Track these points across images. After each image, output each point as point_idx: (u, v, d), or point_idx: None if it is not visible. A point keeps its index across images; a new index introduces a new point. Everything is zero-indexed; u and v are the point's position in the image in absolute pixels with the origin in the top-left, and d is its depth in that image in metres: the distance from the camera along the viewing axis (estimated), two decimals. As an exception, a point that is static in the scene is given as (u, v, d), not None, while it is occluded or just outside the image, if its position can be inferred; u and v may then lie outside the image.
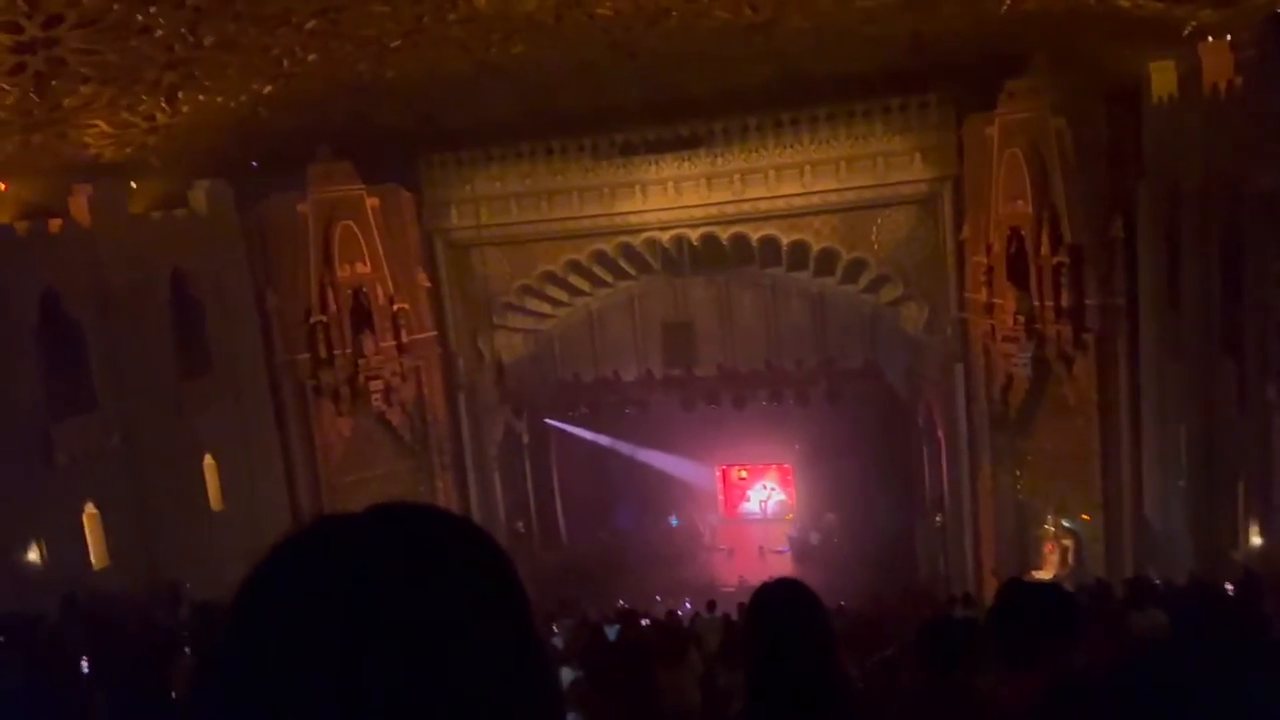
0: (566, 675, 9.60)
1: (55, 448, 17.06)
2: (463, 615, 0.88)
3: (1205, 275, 15.16)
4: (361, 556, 0.89)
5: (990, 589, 20.53)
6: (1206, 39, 14.97)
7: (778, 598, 2.55)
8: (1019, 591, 2.88)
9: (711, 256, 24.24)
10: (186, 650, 9.66)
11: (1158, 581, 13.79)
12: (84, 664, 9.31)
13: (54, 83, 13.81)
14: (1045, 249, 18.92)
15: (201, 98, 16.28)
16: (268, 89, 16.71)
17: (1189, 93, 15.46)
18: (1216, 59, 14.66)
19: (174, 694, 7.71)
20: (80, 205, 18.45)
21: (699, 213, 23.11)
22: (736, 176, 22.54)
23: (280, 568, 0.90)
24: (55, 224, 17.83)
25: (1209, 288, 15.10)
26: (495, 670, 0.88)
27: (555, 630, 15.30)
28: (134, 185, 19.92)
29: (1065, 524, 21.01)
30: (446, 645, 0.85)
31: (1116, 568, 18.83)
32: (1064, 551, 20.90)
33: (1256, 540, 13.84)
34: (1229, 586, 11.35)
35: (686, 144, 22.61)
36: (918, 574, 25.70)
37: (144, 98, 15.62)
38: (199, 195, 21.40)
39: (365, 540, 0.91)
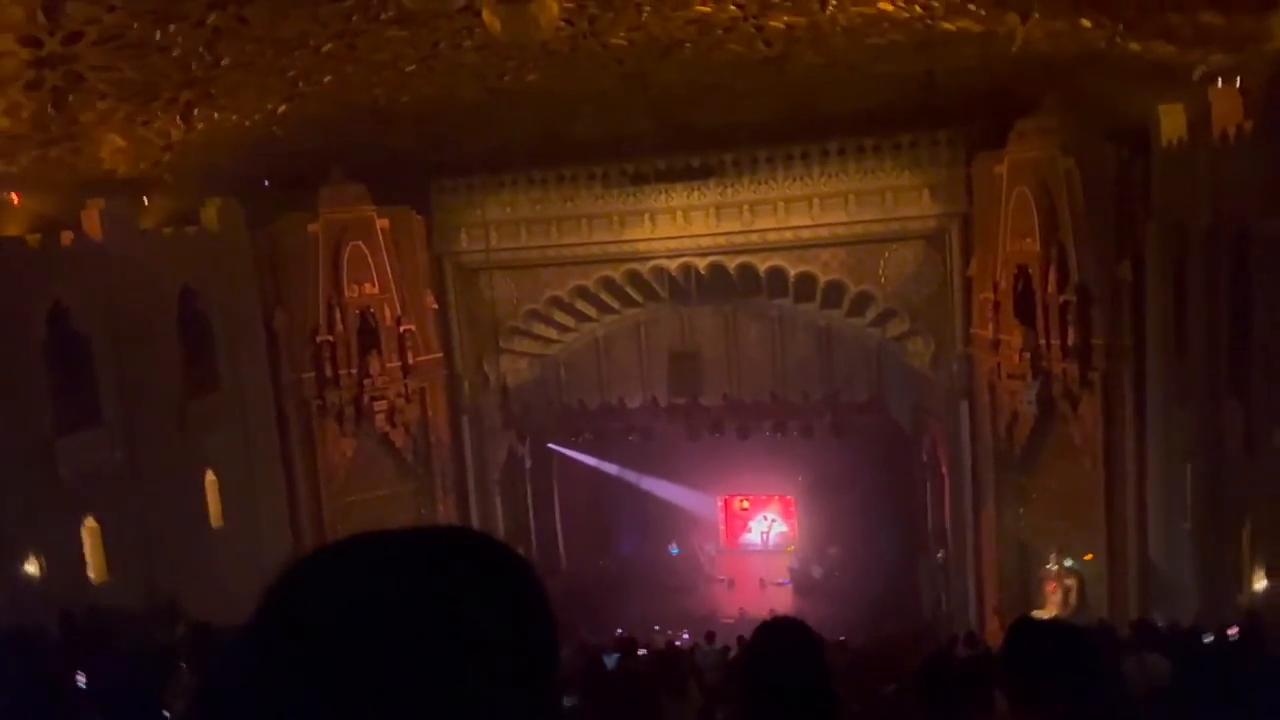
0: (563, 702, 9.53)
1: (59, 461, 17.05)
2: (489, 640, 0.87)
3: (1213, 318, 15.15)
4: (385, 578, 0.88)
5: (992, 627, 20.37)
6: (1216, 83, 15.05)
7: (778, 637, 2.54)
8: (1032, 630, 2.85)
9: (719, 286, 24.29)
10: (183, 667, 9.61)
11: (1161, 624, 13.68)
12: (80, 680, 9.26)
13: (71, 98, 13.95)
14: (1052, 287, 18.93)
15: (216, 116, 16.43)
16: (282, 109, 16.86)
17: (1198, 136, 15.52)
18: (1226, 103, 14.73)
19: (169, 713, 7.66)
20: (92, 220, 18.57)
21: (707, 242, 23.20)
22: (746, 207, 22.63)
23: (303, 585, 0.89)
24: (67, 237, 17.94)
25: (1216, 330, 15.09)
26: (516, 703, 0.88)
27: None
28: (146, 201, 20.06)
29: (1068, 564, 20.85)
30: (471, 669, 0.84)
31: (1120, 609, 18.66)
32: (1067, 592, 20.73)
33: (1261, 584, 13.73)
34: (1233, 631, 11.26)
35: (697, 174, 22.73)
36: (920, 610, 25.52)
37: (160, 114, 15.77)
38: (211, 213, 21.54)
39: (390, 561, 0.90)
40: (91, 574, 17.85)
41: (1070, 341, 18.91)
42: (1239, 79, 14.77)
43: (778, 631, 2.57)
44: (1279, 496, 13.01)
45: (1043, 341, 19.30)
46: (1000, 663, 2.93)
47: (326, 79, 15.69)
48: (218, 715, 0.86)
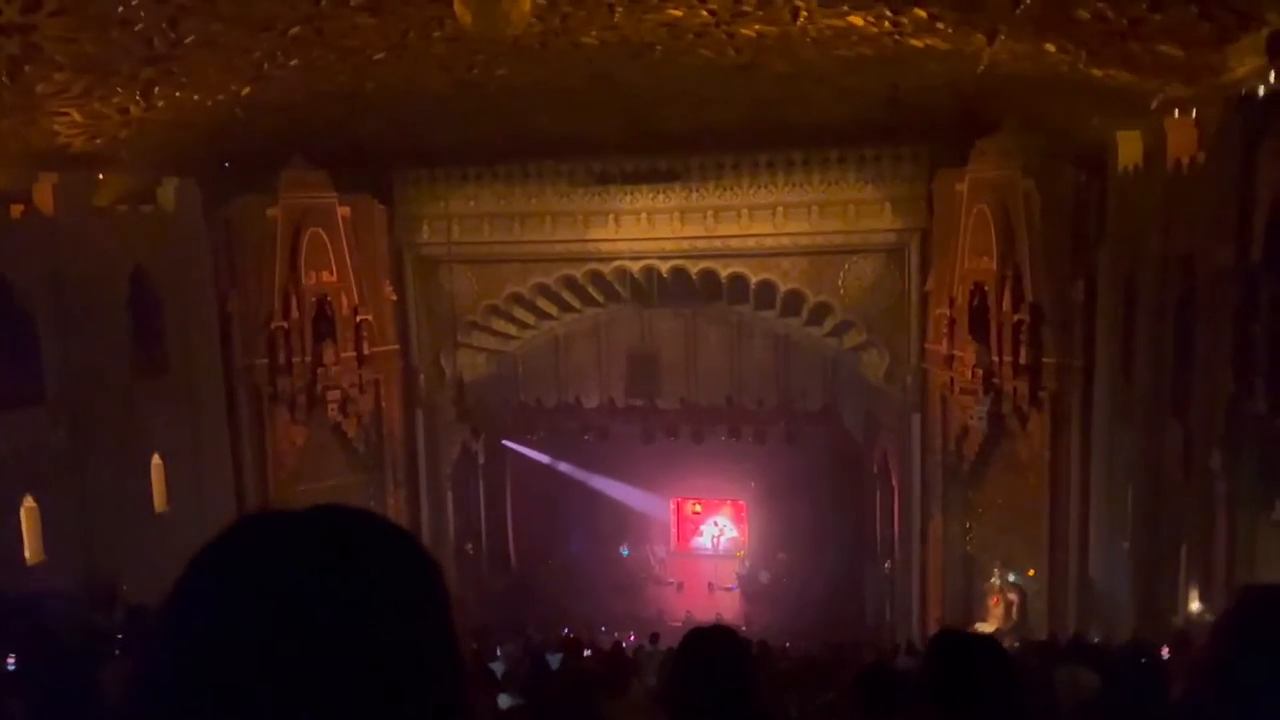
0: (505, 701, 9.49)
1: (-2, 438, 16.68)
2: (381, 617, 0.89)
3: (1159, 343, 15.49)
4: (289, 557, 0.91)
5: (934, 639, 20.63)
6: (1173, 113, 15.40)
7: (707, 645, 2.56)
8: (953, 644, 2.90)
9: (680, 290, 24.36)
10: (118, 653, 9.43)
11: (1096, 640, 13.96)
12: (9, 663, 9.05)
13: (27, 68, 13.64)
14: (1007, 306, 19.24)
15: (178, 94, 16.16)
16: (246, 90, 16.62)
17: (1153, 164, 15.87)
18: (1181, 133, 15.07)
19: (104, 698, 7.51)
20: (44, 194, 18.17)
21: (670, 245, 23.25)
22: (710, 212, 22.72)
23: (210, 568, 0.92)
24: (16, 210, 17.53)
25: (1161, 355, 15.43)
26: (411, 676, 0.90)
27: (498, 654, 15.13)
28: (101, 177, 19.66)
29: (1011, 578, 21.20)
30: (364, 647, 0.87)
31: (1059, 625, 19.01)
32: (1008, 606, 21.07)
33: (1195, 605, 14.05)
34: (1165, 651, 11.51)
35: (662, 177, 22.77)
36: (864, 619, 25.78)
37: (119, 90, 15.47)
38: (167, 192, 21.14)
39: (292, 541, 0.93)
40: (27, 554, 17.47)
41: (1022, 360, 19.24)
42: (1194, 110, 15.12)
43: (706, 639, 2.58)
44: (1214, 519, 13.33)
45: (995, 358, 19.61)
46: (923, 674, 2.97)
47: (292, 63, 15.49)
48: (141, 707, 0.88)
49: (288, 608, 0.86)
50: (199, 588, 0.91)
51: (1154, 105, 15.09)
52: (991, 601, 21.31)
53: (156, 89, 15.66)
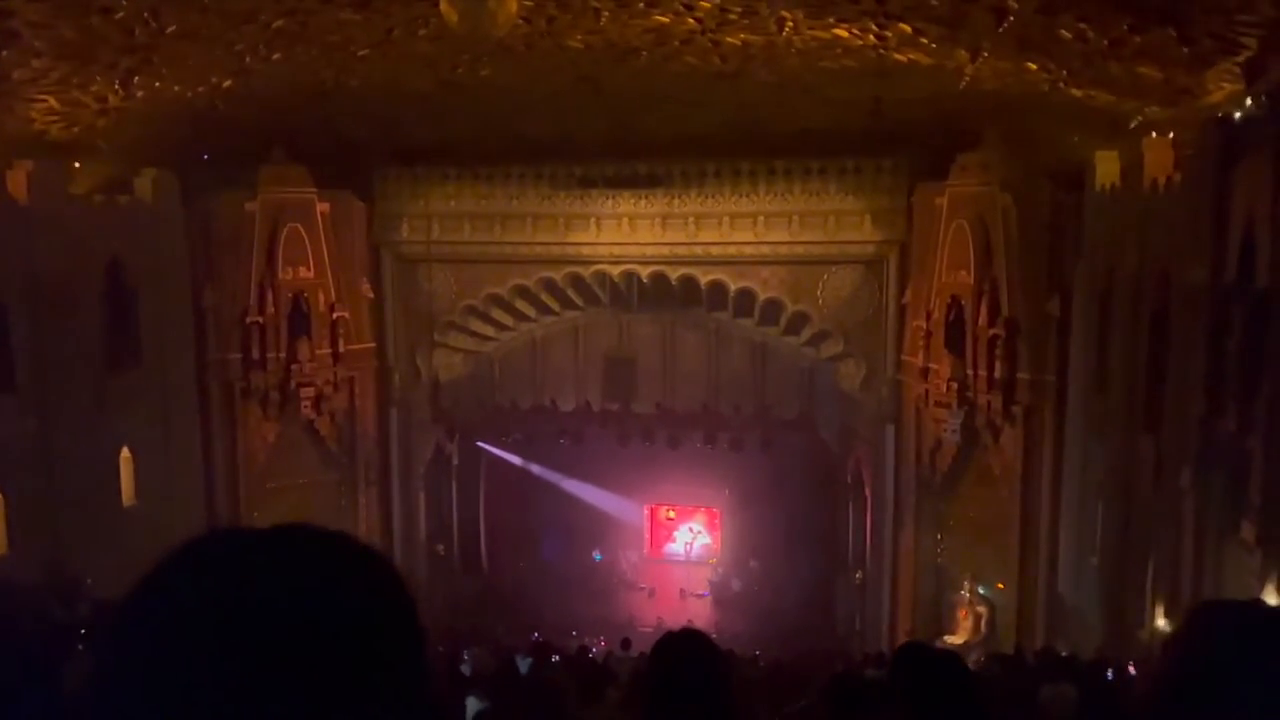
0: (473, 705, 9.43)
1: (-37, 427, 16.44)
2: (345, 639, 0.87)
3: (1132, 360, 15.65)
4: (252, 573, 0.88)
5: (903, 649, 20.71)
6: (1151, 134, 15.59)
7: (680, 650, 2.55)
8: (916, 656, 2.90)
9: (659, 295, 24.37)
10: (80, 649, 9.28)
11: (1065, 654, 14.05)
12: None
13: (4, 53, 13.47)
14: (983, 320, 19.39)
15: (157, 85, 16.00)
16: (227, 83, 16.49)
17: (1130, 183, 16.05)
18: (1158, 154, 15.27)
19: (64, 692, 7.39)
20: (18, 181, 17.94)
21: (650, 251, 23.26)
22: (691, 219, 22.75)
23: (170, 578, 0.89)
24: (-10, 197, 17.32)
25: (1134, 373, 15.59)
26: (375, 702, 0.88)
27: (465, 657, 15.04)
28: (77, 166, 19.43)
29: (981, 591, 21.32)
30: (326, 670, 0.85)
31: (1027, 638, 19.13)
32: (977, 619, 21.19)
33: (1161, 622, 14.18)
34: (1132, 667, 11.61)
35: (644, 182, 22.78)
36: (835, 628, 25.84)
37: (98, 78, 15.30)
38: (145, 184, 20.93)
39: (257, 557, 0.90)
40: (-9, 546, 17.22)
41: (996, 374, 19.39)
42: (1172, 132, 15.32)
43: (680, 642, 2.57)
44: (1182, 537, 13.46)
45: (970, 372, 19.75)
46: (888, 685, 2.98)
47: (275, 56, 15.38)
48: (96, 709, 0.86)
49: (245, 627, 0.84)
50: (155, 601, 0.88)
51: (1133, 125, 15.28)
52: (961, 614, 21.42)
53: (136, 79, 15.50)
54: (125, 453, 20.38)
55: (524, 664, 12.29)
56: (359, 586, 0.92)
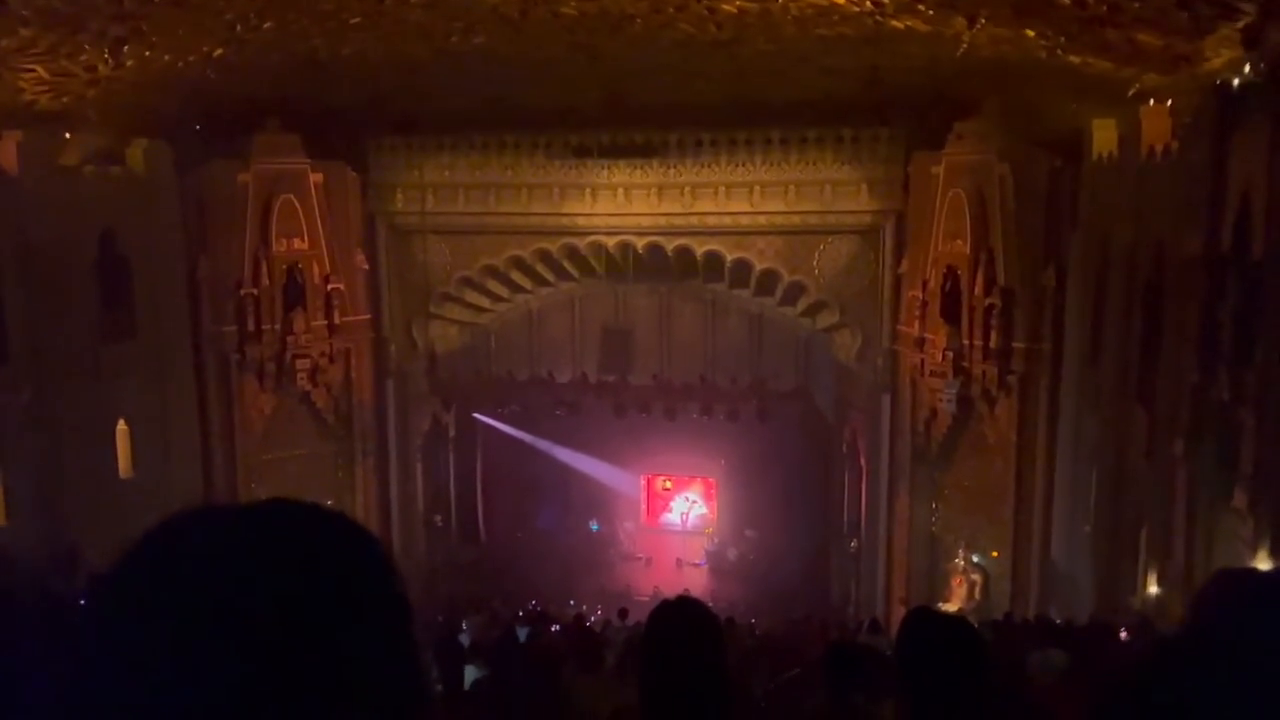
0: (471, 673, 9.51)
1: (-41, 400, 16.43)
2: (329, 620, 0.86)
3: (1126, 329, 15.68)
4: (231, 554, 0.87)
5: (898, 617, 20.90)
6: (1149, 102, 15.51)
7: (674, 618, 2.56)
8: (924, 622, 2.92)
9: (655, 266, 24.31)
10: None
11: (1058, 621, 14.18)
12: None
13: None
14: (979, 290, 19.38)
15: (148, 54, 15.84)
16: (218, 52, 16.33)
17: (1127, 152, 15.99)
18: (1156, 122, 15.19)
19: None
20: (8, 151, 17.81)
21: (646, 221, 23.17)
22: (687, 189, 22.64)
23: (147, 560, 0.88)
24: (-20, 168, 17.20)
25: (1129, 342, 15.62)
26: (358, 684, 0.86)
27: (464, 627, 15.15)
28: (68, 137, 19.28)
29: (975, 559, 21.49)
30: (307, 650, 0.83)
31: (1020, 606, 19.30)
32: (971, 586, 21.36)
33: (1154, 589, 14.31)
34: (1124, 633, 11.72)
35: (640, 152, 22.64)
36: (830, 597, 26.03)
37: (87, 48, 15.14)
38: (137, 154, 20.78)
39: (238, 535, 0.89)
40: (-11, 518, 17.28)
41: (992, 343, 19.41)
42: (1170, 100, 15.24)
43: (675, 610, 2.59)
44: (1175, 505, 13.55)
45: (965, 342, 19.77)
46: (895, 652, 3.00)
47: (266, 25, 15.23)
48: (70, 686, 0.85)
49: (226, 605, 0.82)
50: (134, 579, 0.87)
51: (1131, 93, 15.20)
52: (955, 581, 21.60)
53: (126, 48, 15.34)
54: (122, 425, 20.38)
55: (522, 633, 12.39)
56: (344, 565, 0.90)
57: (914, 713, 2.64)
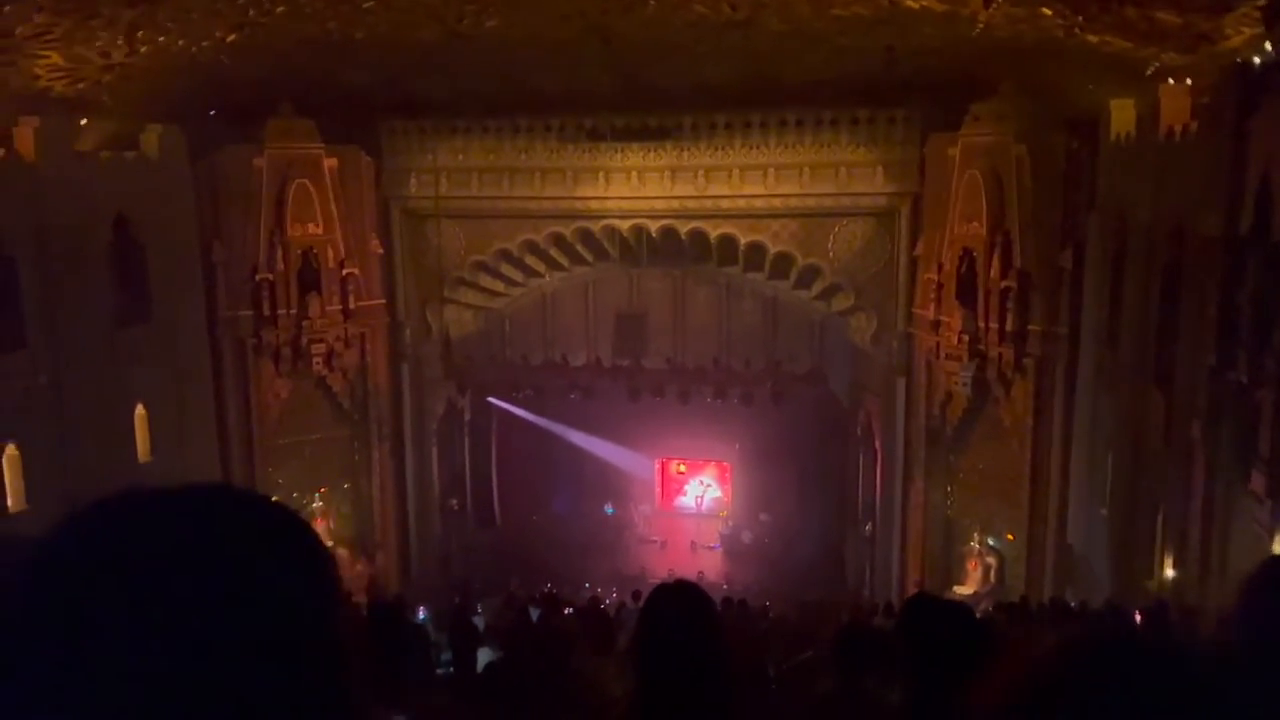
0: (486, 655, 9.57)
1: (-22, 384, 16.57)
2: (249, 608, 0.83)
3: (1144, 311, 15.54)
4: (155, 536, 0.85)
5: (912, 600, 20.88)
6: (1168, 81, 15.31)
7: (670, 602, 2.56)
8: (924, 608, 2.91)
9: (669, 250, 24.25)
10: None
11: (1073, 604, 14.15)
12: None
13: (6, 9, 13.36)
14: (995, 272, 19.25)
15: (161, 39, 15.87)
16: (231, 37, 16.34)
17: (1146, 132, 15.80)
18: (1175, 101, 15.00)
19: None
20: (25, 137, 17.87)
21: (660, 205, 23.10)
22: (701, 172, 22.55)
23: (70, 535, 0.87)
24: (-3, 154, 17.28)
25: (1147, 324, 15.48)
26: (281, 676, 0.84)
27: (479, 610, 15.26)
28: (84, 122, 19.35)
29: (990, 542, 21.44)
30: (227, 641, 0.81)
31: (1036, 589, 19.25)
32: (987, 569, 21.32)
33: (1170, 572, 14.24)
34: (1139, 615, 11.67)
35: (654, 135, 22.55)
36: (845, 580, 26.05)
37: (101, 33, 15.18)
38: (151, 139, 20.84)
39: (160, 520, 0.87)
40: (9, 502, 17.43)
41: (1008, 326, 19.30)
42: (1189, 79, 15.04)
43: (671, 594, 2.58)
44: (1192, 488, 13.46)
45: (981, 324, 19.65)
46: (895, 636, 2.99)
47: (279, 9, 15.22)
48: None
49: (146, 590, 0.80)
50: (54, 564, 0.85)
51: (1149, 73, 15.01)
52: (970, 565, 21.56)
53: (140, 33, 15.37)
54: (140, 409, 20.53)
55: (536, 616, 12.45)
56: (265, 552, 0.87)
57: (916, 699, 2.63)
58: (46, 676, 0.79)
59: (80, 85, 17.26)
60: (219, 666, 0.81)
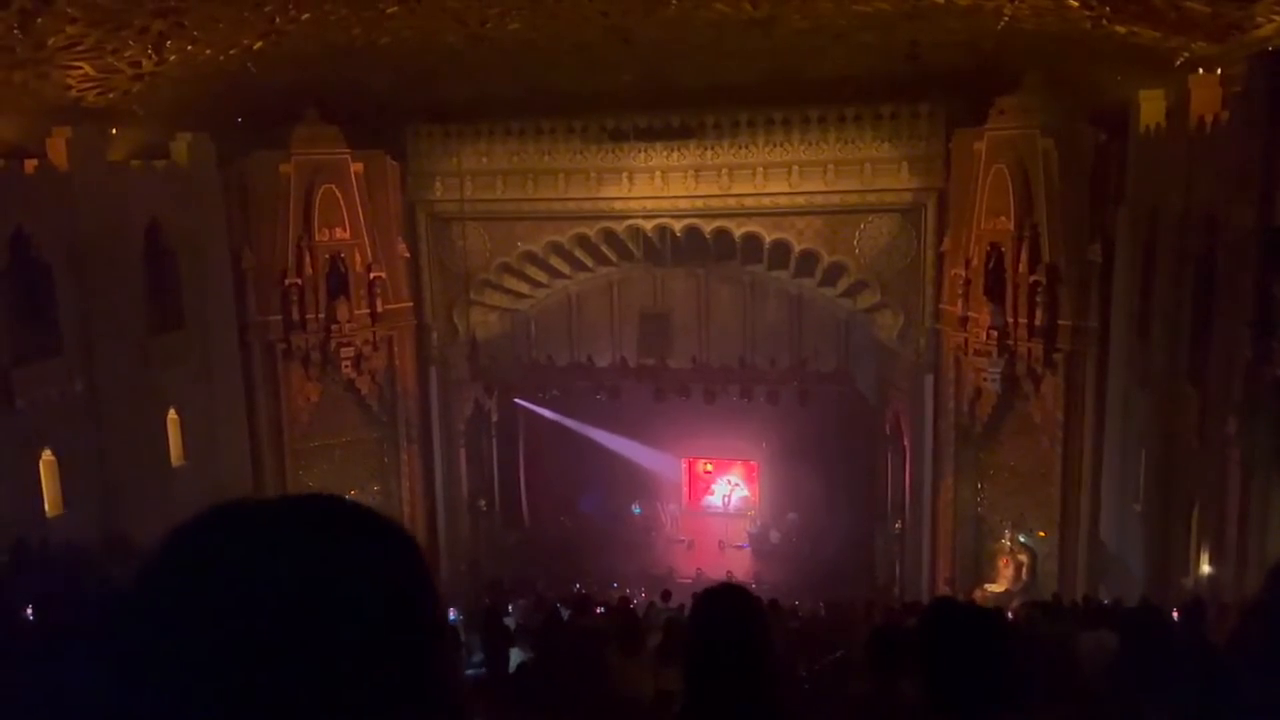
0: (516, 656, 9.61)
1: (15, 392, 16.81)
2: (361, 615, 0.85)
3: (1177, 305, 15.35)
4: (266, 548, 0.87)
5: (943, 598, 20.74)
6: (1197, 71, 15.11)
7: (720, 605, 2.56)
8: (944, 613, 2.88)
9: (693, 249, 24.24)
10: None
11: (1106, 601, 14.00)
12: (28, 613, 9.19)
13: (39, 20, 13.56)
14: (1023, 267, 19.08)
15: (190, 48, 16.06)
16: (258, 45, 16.51)
17: (1176, 123, 15.61)
18: (1205, 92, 14.80)
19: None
20: (58, 148, 18.14)
21: (684, 204, 23.10)
22: (724, 171, 22.52)
23: (180, 557, 0.90)
24: (30, 165, 17.53)
25: (1179, 318, 15.29)
26: (393, 679, 0.86)
27: (510, 610, 15.31)
28: (115, 132, 19.62)
29: (1022, 540, 21.25)
30: (341, 649, 0.83)
31: (1068, 586, 19.07)
32: (1018, 567, 21.14)
33: (1206, 569, 14.06)
34: (1175, 612, 11.52)
35: (677, 134, 22.55)
36: (874, 579, 25.90)
37: (131, 43, 15.38)
38: (180, 147, 21.11)
39: (269, 532, 0.89)
40: (47, 507, 17.69)
41: (1037, 321, 19.12)
42: (1220, 69, 14.84)
43: (721, 596, 2.58)
44: (1228, 484, 13.29)
45: (1010, 320, 19.49)
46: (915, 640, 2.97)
47: (304, 17, 15.36)
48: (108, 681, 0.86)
49: (260, 602, 0.82)
50: (167, 579, 0.87)
51: (1178, 63, 14.83)
52: (1001, 562, 21.39)
53: (168, 43, 15.57)
54: (172, 414, 20.79)
55: (566, 616, 12.48)
56: (375, 570, 0.89)
57: (934, 703, 2.62)
58: (183, 689, 0.81)
59: (111, 95, 17.50)
60: (351, 668, 0.83)
